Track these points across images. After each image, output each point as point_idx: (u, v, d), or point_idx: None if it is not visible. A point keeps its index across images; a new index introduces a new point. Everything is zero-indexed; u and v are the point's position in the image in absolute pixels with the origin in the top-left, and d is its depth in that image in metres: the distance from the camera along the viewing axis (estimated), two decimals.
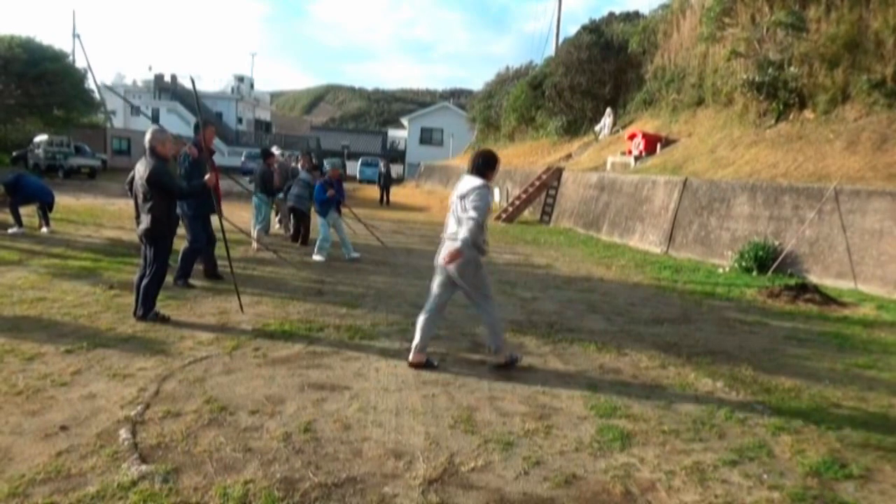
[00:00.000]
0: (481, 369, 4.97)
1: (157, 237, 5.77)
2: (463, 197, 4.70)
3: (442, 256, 4.81)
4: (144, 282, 5.77)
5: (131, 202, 8.64)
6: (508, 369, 4.97)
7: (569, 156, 22.24)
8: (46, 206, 11.08)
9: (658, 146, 16.75)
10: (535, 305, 7.47)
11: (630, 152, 17.24)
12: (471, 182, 4.73)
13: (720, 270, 10.57)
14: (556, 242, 14.23)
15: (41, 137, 27.27)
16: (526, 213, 19.77)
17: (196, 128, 7.37)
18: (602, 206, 15.94)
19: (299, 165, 13.64)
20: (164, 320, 5.74)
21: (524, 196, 19.58)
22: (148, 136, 5.79)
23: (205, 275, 7.77)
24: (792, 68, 13.45)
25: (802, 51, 13.40)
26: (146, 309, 5.75)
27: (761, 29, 14.64)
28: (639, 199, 14.37)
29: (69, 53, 36.07)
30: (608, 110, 22.24)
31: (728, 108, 15.74)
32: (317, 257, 9.82)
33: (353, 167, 48.67)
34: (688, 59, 18.62)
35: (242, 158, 41.84)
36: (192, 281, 7.34)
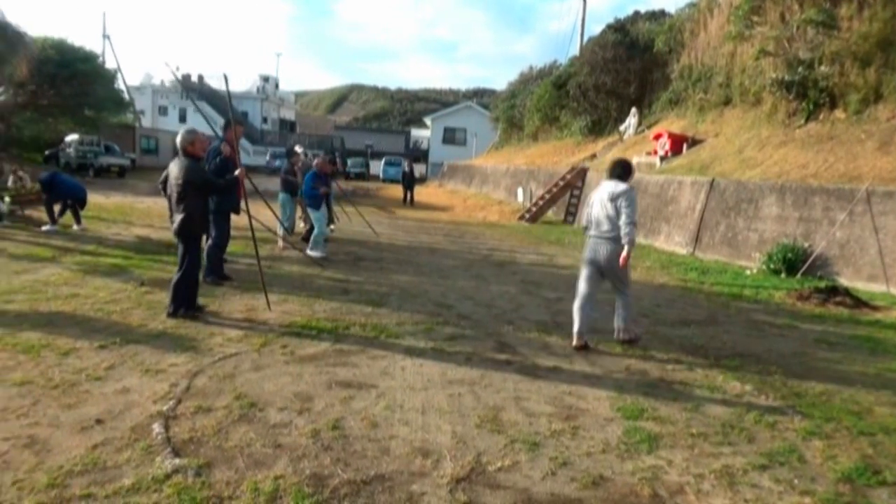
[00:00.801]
0: (507, 369, 4.97)
1: (190, 234, 5.88)
2: (613, 199, 5.51)
3: (600, 253, 5.63)
4: (174, 279, 5.88)
5: (160, 200, 8.84)
6: (633, 345, 5.70)
7: (593, 156, 22.09)
8: (78, 204, 11.32)
9: (684, 146, 16.56)
10: (559, 306, 7.44)
11: (655, 152, 17.07)
12: (616, 186, 5.59)
13: (748, 272, 10.43)
14: (581, 243, 14.06)
15: (72, 137, 27.81)
16: (549, 213, 19.69)
17: (226, 126, 7.47)
18: None
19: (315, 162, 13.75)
20: (193, 318, 5.84)
21: (548, 196, 19.51)
22: (179, 138, 5.92)
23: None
24: (823, 67, 13.22)
25: (833, 49, 13.16)
26: (175, 306, 5.86)
27: (791, 27, 14.40)
28: (664, 199, 14.24)
29: (99, 54, 36.78)
30: (633, 110, 22.05)
31: (756, 107, 15.52)
32: (312, 253, 9.74)
33: (377, 167, 48.96)
34: (715, 58, 18.40)
35: (267, 157, 42.29)
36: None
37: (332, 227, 13.17)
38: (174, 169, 5.87)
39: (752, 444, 3.84)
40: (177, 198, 5.80)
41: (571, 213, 19.01)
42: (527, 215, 19.35)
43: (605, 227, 5.59)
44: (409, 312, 6.66)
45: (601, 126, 24.75)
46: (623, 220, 5.44)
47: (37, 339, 4.96)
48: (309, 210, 9.91)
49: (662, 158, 16.60)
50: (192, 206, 5.81)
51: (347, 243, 11.97)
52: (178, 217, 5.81)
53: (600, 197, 5.67)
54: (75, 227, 11.05)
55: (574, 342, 5.64)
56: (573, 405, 4.29)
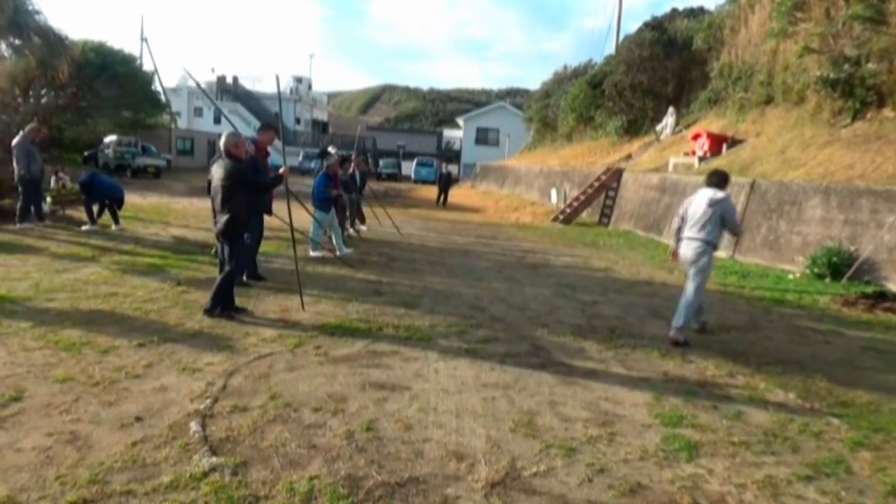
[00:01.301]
0: (541, 373, 4.94)
1: (235, 234, 6.00)
2: (712, 205, 6.13)
3: (689, 253, 6.24)
4: (218, 279, 6.01)
5: (195, 201, 9.02)
6: (680, 347, 5.90)
7: (629, 156, 21.87)
8: (116, 205, 11.61)
9: (724, 146, 16.29)
10: (595, 309, 7.39)
11: (694, 153, 16.82)
12: (715, 194, 6.20)
13: (790, 276, 10.20)
14: (616, 245, 14.02)
15: (111, 138, 28.54)
16: (584, 215, 19.55)
17: (260, 128, 7.63)
18: (664, 209, 15.60)
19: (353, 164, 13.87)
20: (229, 318, 5.95)
21: (583, 197, 19.37)
22: (222, 140, 6.05)
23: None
24: (870, 64, 12.85)
25: (882, 46, 12.78)
26: (212, 305, 5.97)
27: (837, 23, 14.03)
28: None
29: (137, 57, 37.66)
30: (670, 109, 21.76)
31: (799, 106, 15.17)
32: (314, 254, 9.82)
33: (409, 167, 49.15)
34: (756, 56, 18.03)
35: (300, 158, 42.78)
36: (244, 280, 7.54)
37: (363, 227, 13.26)
38: (218, 171, 5.99)
39: (796, 453, 3.76)
40: (222, 198, 5.90)
41: (606, 214, 18.83)
42: (561, 217, 19.24)
43: (700, 230, 6.18)
44: (441, 314, 6.67)
45: (637, 126, 24.48)
46: (728, 225, 6.21)
47: (78, 336, 5.10)
48: (316, 212, 9.95)
49: (701, 159, 16.34)
50: (236, 206, 5.93)
51: (380, 244, 12.05)
52: (223, 218, 5.91)
53: (698, 202, 6.27)
54: (114, 227, 11.33)
55: (671, 334, 6.08)
56: (610, 411, 4.25)
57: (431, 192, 31.38)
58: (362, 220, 13.81)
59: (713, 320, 7.15)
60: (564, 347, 5.72)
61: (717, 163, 15.53)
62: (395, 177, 46.66)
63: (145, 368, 4.50)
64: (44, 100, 28.65)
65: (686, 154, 17.31)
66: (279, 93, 7.13)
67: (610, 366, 5.27)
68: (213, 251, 8.92)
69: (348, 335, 5.64)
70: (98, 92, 29.36)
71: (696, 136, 17.15)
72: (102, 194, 11.51)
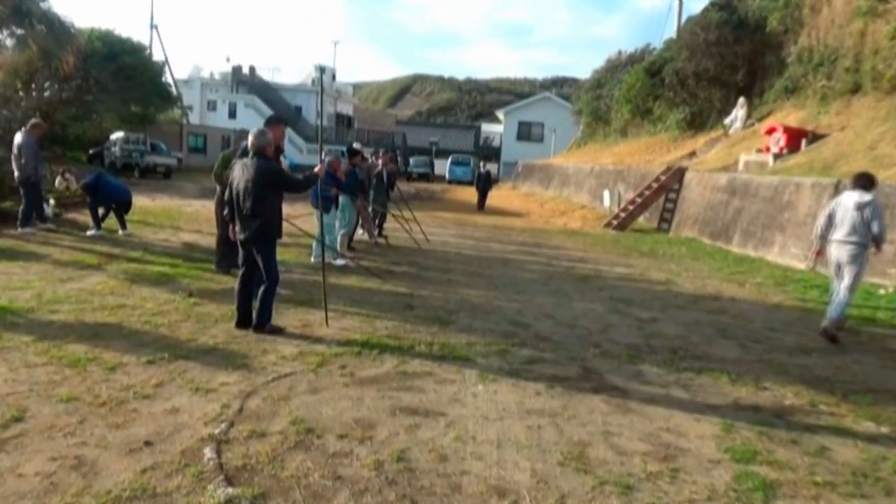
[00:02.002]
0: (593, 399, 4.91)
1: (269, 239, 6.12)
2: (860, 208, 6.98)
3: (842, 255, 7.16)
4: (261, 290, 6.11)
5: (208, 203, 9.19)
6: (833, 343, 6.84)
7: (693, 153, 21.61)
8: (123, 208, 11.91)
9: (802, 142, 15.98)
10: (654, 327, 7.32)
11: (768, 149, 16.55)
12: (862, 196, 7.04)
13: (882, 291, 9.94)
14: (678, 254, 13.86)
15: (117, 135, 29.33)
16: (641, 220, 19.37)
17: (267, 122, 7.70)
18: (733, 213, 15.37)
19: (379, 163, 13.98)
20: (279, 331, 6.11)
21: (639, 200, 19.19)
22: (254, 139, 6.10)
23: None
24: None
25: None
26: (263, 319, 6.11)
27: None
28: (779, 204, 13.76)
29: (147, 46, 38.66)
30: (741, 100, 21.44)
31: (892, 95, 14.81)
32: (339, 262, 9.93)
33: (442, 166, 49.34)
34: (841, 39, 17.68)
35: (323, 156, 43.31)
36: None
37: (383, 238, 13.27)
38: (244, 171, 6.04)
39: (890, 496, 3.66)
40: (253, 201, 5.97)
41: (666, 219, 18.62)
42: (614, 222, 19.09)
43: (852, 232, 7.03)
44: (480, 331, 6.68)
45: (702, 119, 24.17)
46: (875, 228, 6.93)
47: (83, 352, 5.24)
48: (322, 214, 10.00)
49: (776, 156, 16.06)
50: (270, 209, 6.04)
51: (410, 252, 12.12)
52: (254, 223, 5.99)
53: (845, 205, 7.11)
54: (120, 232, 11.63)
55: (824, 324, 7.11)
56: (672, 443, 4.20)
57: (467, 193, 31.47)
58: (380, 229, 13.84)
59: (791, 341, 7.02)
60: (619, 370, 5.67)
61: (794, 161, 15.25)
62: (428, 177, 46.91)
63: (155, 388, 4.60)
64: (47, 93, 29.55)
65: (759, 151, 17.03)
66: (321, 85, 7.25)
67: (672, 392, 5.20)
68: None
69: (376, 354, 5.68)
70: (104, 85, 30.21)
71: (770, 131, 16.87)
72: (108, 197, 11.82)
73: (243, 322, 6.18)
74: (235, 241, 8.98)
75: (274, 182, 6.05)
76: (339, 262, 9.91)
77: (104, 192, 11.77)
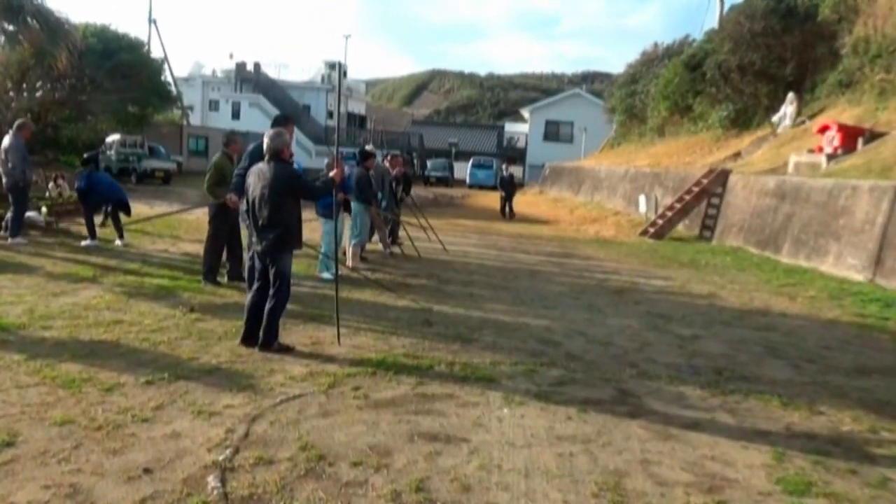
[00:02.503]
0: (630, 424, 4.88)
1: (286, 250, 6.17)
2: None
3: None
4: (269, 305, 6.15)
5: (209, 211, 9.30)
6: None
7: (737, 154, 21.48)
8: (122, 210, 12.00)
9: (859, 141, 15.83)
10: (696, 346, 7.27)
11: (820, 149, 16.40)
12: None
13: None
14: (721, 265, 13.77)
15: (113, 137, 29.73)
16: (680, 228, 19.26)
17: (274, 122, 7.77)
18: (782, 220, 15.25)
19: (387, 164, 14.05)
20: (288, 350, 6.17)
21: (678, 206, 19.09)
22: (270, 141, 6.15)
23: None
24: None
25: None
26: (269, 337, 6.16)
27: None
28: (833, 210, 13.62)
29: (145, 42, 39.23)
30: (790, 96, 21.31)
31: None
32: (326, 275, 9.82)
33: (462, 169, 49.42)
34: None
35: (329, 160, 43.61)
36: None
37: (396, 248, 13.28)
38: (260, 177, 6.08)
39: None
40: (270, 209, 6.01)
41: (709, 227, 18.50)
42: (651, 230, 18.99)
43: None
44: (505, 350, 6.68)
45: (747, 116, 24.04)
46: None
47: (77, 371, 5.31)
48: (322, 220, 10.03)
49: (830, 157, 15.92)
50: (289, 217, 6.08)
51: (428, 264, 12.15)
52: (271, 232, 6.04)
53: None
54: (118, 242, 11.77)
55: None
56: (718, 473, 4.16)
57: (489, 199, 31.54)
58: (393, 238, 13.87)
59: (849, 360, 6.94)
60: (659, 393, 5.64)
61: (850, 162, 15.10)
62: (447, 181, 47.05)
63: (155, 411, 4.64)
64: (39, 93, 30.01)
65: (811, 151, 16.88)
66: (340, 80, 7.30)
67: (717, 417, 5.16)
68: (225, 271, 9.20)
69: (392, 374, 5.69)
70: (100, 84, 30.64)
71: (823, 129, 16.73)
72: (104, 196, 11.88)
73: (249, 339, 6.23)
74: (235, 254, 9.20)
75: (292, 188, 6.10)
76: (327, 275, 9.82)
77: (98, 191, 11.86)
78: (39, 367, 5.37)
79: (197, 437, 4.25)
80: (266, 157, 6.17)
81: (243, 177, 6.79)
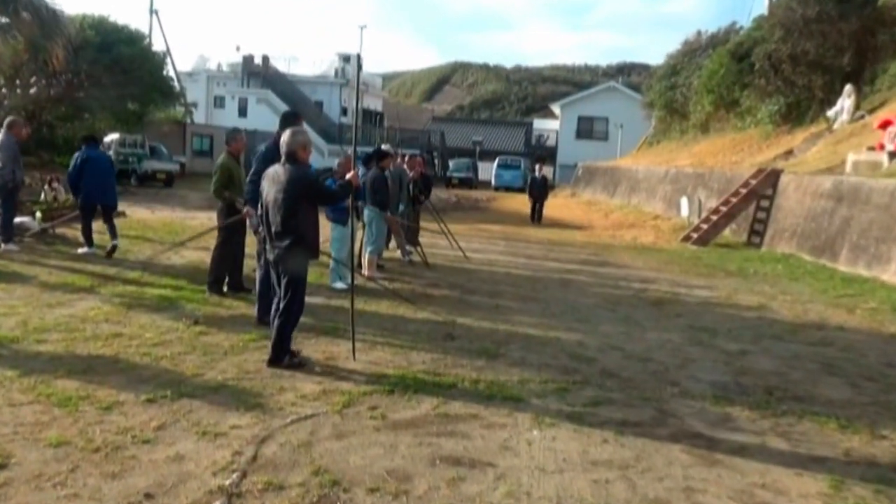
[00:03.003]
0: (672, 448, 4.85)
1: (300, 259, 6.20)
2: None
3: None
4: (279, 319, 6.20)
5: (214, 216, 9.40)
6: None
7: (789, 152, 21.33)
8: (110, 209, 11.94)
9: None
10: (744, 362, 7.23)
11: (882, 147, 16.23)
12: None
13: None
14: (772, 274, 13.66)
15: (112, 136, 30.05)
16: (726, 233, 19.15)
17: (283, 120, 7.80)
18: (840, 224, 15.10)
19: (404, 166, 14.10)
20: (302, 365, 6.21)
21: (724, 209, 18.98)
22: (288, 140, 6.19)
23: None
24: None
25: None
26: (279, 353, 6.20)
27: None
28: None
29: (146, 34, 39.70)
30: (847, 88, 21.14)
31: None
32: (338, 285, 9.91)
33: (487, 170, 49.44)
34: None
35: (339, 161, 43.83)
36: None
37: (409, 256, 13.30)
38: (274, 181, 6.13)
39: None
40: (283, 215, 6.05)
41: (758, 232, 18.36)
42: (694, 235, 18.89)
43: None
44: (535, 367, 6.67)
45: (801, 111, 23.88)
46: None
47: (74, 388, 5.37)
48: (332, 226, 10.02)
49: (892, 155, 15.75)
50: (304, 224, 6.12)
51: (450, 272, 12.18)
52: (285, 240, 6.08)
53: None
54: (111, 243, 11.53)
55: None
56: (769, 503, 4.13)
57: (517, 202, 31.54)
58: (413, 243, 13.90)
59: None
60: (703, 414, 5.60)
61: None
62: (470, 183, 47.15)
63: (156, 431, 4.68)
64: (33, 90, 30.49)
65: (871, 148, 16.72)
66: (358, 74, 7.34)
67: (768, 440, 5.12)
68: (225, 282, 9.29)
69: (412, 393, 5.70)
70: (98, 79, 31.08)
71: (885, 124, 16.56)
72: (94, 189, 11.54)
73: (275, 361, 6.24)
74: (237, 263, 9.31)
75: (307, 192, 6.12)
76: (339, 285, 9.90)
77: (92, 182, 11.56)
78: (33, 383, 5.44)
79: (201, 460, 4.28)
80: (282, 159, 6.21)
81: (257, 183, 6.76)
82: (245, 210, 8.36)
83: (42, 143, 29.15)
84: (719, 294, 11.35)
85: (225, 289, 9.14)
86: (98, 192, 11.84)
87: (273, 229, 6.14)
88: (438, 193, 31.23)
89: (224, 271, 9.20)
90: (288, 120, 7.74)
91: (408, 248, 13.06)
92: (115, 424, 4.76)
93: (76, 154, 11.93)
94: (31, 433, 4.55)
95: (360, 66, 51.14)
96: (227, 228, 9.06)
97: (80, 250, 11.68)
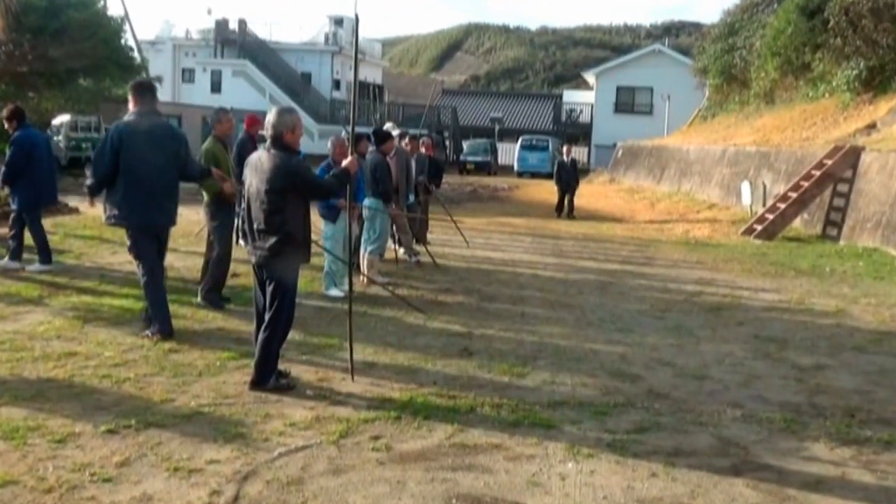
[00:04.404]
0: (734, 483, 4.85)
1: (287, 263, 6.20)
2: None
3: None
4: (263, 335, 6.21)
5: (184, 211, 9.43)
6: None
7: (871, 126, 21.21)
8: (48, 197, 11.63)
9: None
10: (820, 379, 7.19)
11: None
12: None
13: None
14: (852, 272, 13.59)
15: (62, 119, 30.17)
16: (797, 224, 19.07)
17: (136, 92, 7.83)
18: None
19: (422, 149, 14.12)
20: (291, 387, 6.24)
21: (794, 196, 18.90)
22: (273, 120, 6.14)
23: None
24: None
25: None
26: (263, 374, 6.19)
27: None
28: None
29: None
30: None
31: None
32: (333, 292, 9.94)
33: (509, 152, 49.31)
34: None
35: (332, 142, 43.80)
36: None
37: (417, 256, 13.33)
38: (256, 170, 6.13)
39: None
40: (267, 210, 6.04)
41: (835, 222, 18.28)
42: (758, 227, 18.81)
43: None
44: (568, 386, 6.66)
45: (885, 76, 23.71)
46: None
47: (21, 418, 5.39)
48: (323, 223, 10.01)
49: None
50: (292, 221, 6.10)
51: (467, 274, 12.18)
52: (269, 239, 6.07)
53: None
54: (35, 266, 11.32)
55: None
56: None
57: (544, 190, 31.46)
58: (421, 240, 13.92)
59: None
60: (771, 441, 5.59)
61: None
62: (488, 168, 47.04)
63: (119, 468, 4.70)
64: None
65: None
66: (356, 40, 7.33)
67: (848, 472, 5.10)
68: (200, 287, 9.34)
69: (422, 419, 5.70)
70: (43, 51, 31.13)
71: None
72: (42, 180, 11.19)
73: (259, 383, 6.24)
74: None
75: (295, 184, 6.10)
76: (334, 292, 9.93)
77: (36, 163, 11.03)
78: None
79: (173, 502, 4.30)
80: (267, 143, 6.18)
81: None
82: (224, 186, 8.46)
83: None
84: (789, 298, 11.30)
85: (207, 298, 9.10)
86: (48, 185, 11.48)
87: (256, 227, 6.11)
88: (451, 180, 31.19)
89: (224, 275, 9.23)
90: (141, 90, 7.92)
91: (415, 247, 13.08)
92: (71, 460, 4.77)
93: (15, 134, 11.17)
94: None
95: (356, 29, 51.16)
96: (218, 224, 9.01)
97: (32, 267, 10.95)
